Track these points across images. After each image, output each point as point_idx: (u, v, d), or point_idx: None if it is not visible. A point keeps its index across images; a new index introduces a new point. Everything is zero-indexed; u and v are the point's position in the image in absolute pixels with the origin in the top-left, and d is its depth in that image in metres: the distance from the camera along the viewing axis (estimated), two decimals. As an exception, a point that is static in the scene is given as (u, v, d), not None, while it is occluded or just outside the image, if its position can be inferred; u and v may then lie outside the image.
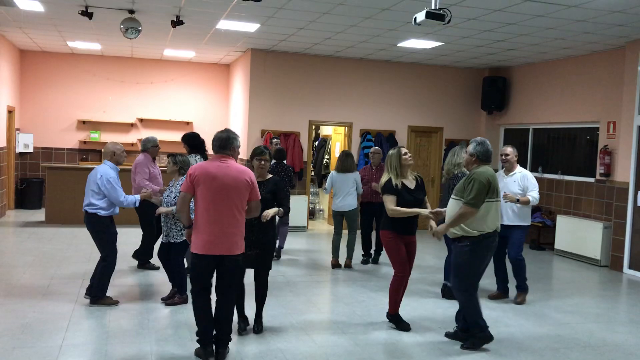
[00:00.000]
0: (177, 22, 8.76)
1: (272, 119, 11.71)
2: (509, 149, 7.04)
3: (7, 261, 7.98)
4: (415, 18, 6.20)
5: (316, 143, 13.76)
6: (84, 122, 13.44)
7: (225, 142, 4.67)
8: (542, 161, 11.55)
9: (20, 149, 12.82)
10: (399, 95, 12.45)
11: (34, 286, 6.65)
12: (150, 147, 7.96)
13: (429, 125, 12.66)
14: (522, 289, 6.95)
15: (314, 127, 12.66)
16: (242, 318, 5.44)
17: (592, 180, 10.14)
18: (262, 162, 5.31)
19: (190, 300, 5.29)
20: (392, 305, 5.75)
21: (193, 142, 7.59)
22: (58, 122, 13.36)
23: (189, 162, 6.30)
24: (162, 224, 6.17)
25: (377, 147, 9.01)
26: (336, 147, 12.96)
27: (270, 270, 5.42)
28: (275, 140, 10.11)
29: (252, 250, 5.15)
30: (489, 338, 5.23)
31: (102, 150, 6.38)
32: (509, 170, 6.99)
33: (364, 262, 8.79)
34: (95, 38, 11.18)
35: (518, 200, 6.68)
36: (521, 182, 6.81)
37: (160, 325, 5.52)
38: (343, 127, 12.36)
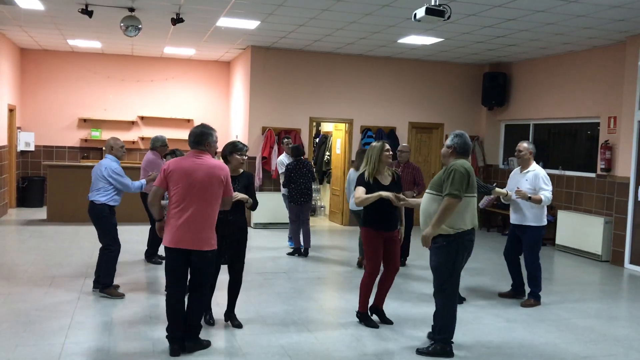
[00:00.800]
0: (177, 20, 8.77)
1: (272, 116, 11.71)
2: (524, 145, 6.69)
3: (9, 259, 8.01)
4: (415, 14, 6.21)
5: (317, 140, 13.77)
6: (84, 120, 13.46)
7: (200, 137, 4.67)
8: (542, 156, 11.53)
9: (21, 147, 12.83)
10: (400, 92, 12.44)
11: (37, 284, 6.67)
12: (159, 146, 8.12)
13: (430, 121, 12.65)
14: (534, 296, 6.63)
15: (314, 124, 12.66)
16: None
17: (593, 175, 10.14)
18: (244, 158, 5.27)
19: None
20: (362, 303, 5.62)
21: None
22: (59, 120, 13.38)
23: None
24: None
25: (405, 145, 8.72)
26: (337, 144, 12.96)
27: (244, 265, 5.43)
28: (286, 140, 10.03)
29: (226, 244, 5.20)
30: (449, 354, 4.87)
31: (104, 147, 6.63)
32: (523, 167, 6.71)
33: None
34: (95, 36, 11.19)
35: (530, 197, 6.37)
36: (533, 181, 6.50)
37: (161, 321, 5.54)
38: (344, 124, 12.36)
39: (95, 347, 4.88)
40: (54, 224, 10.71)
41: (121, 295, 6.21)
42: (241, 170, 5.37)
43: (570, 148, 11.08)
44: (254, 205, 5.38)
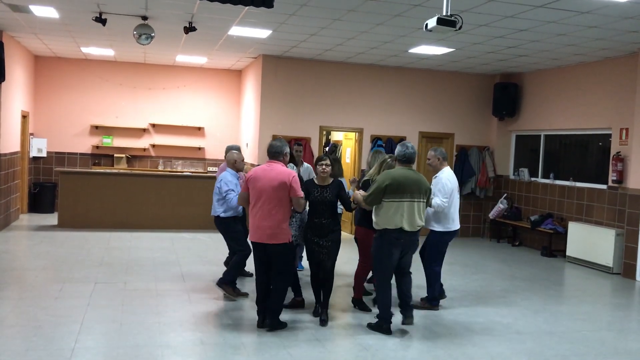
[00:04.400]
0: (189, 29, 8.83)
1: (283, 125, 11.75)
2: (430, 152, 6.67)
3: (20, 264, 8.06)
4: (427, 24, 6.21)
5: (327, 149, 13.78)
6: (96, 127, 13.56)
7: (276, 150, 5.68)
8: (553, 168, 11.50)
9: (34, 153, 12.94)
10: (410, 101, 12.45)
11: (47, 289, 6.71)
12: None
13: (440, 131, 12.64)
14: (426, 298, 6.69)
15: (324, 132, 12.68)
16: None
17: (604, 187, 10.08)
18: (323, 169, 5.92)
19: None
20: (358, 291, 6.57)
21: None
22: (71, 127, 13.49)
23: None
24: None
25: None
26: (347, 153, 12.97)
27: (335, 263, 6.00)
28: (297, 146, 9.63)
29: (322, 243, 5.84)
30: (387, 331, 5.63)
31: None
32: (434, 172, 6.63)
33: None
34: (108, 44, 11.30)
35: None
36: (435, 185, 6.38)
37: (170, 326, 5.55)
38: (354, 133, 12.38)
39: (104, 352, 4.90)
40: (65, 229, 10.77)
41: (243, 294, 6.66)
42: (331, 180, 5.99)
43: (582, 159, 11.02)
44: (349, 207, 6.10)
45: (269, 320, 5.56)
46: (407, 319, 5.70)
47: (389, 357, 5.08)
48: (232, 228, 6.79)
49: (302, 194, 5.50)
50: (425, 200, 5.76)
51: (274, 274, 5.63)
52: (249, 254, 6.49)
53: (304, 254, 9.01)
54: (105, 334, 5.36)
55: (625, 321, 6.83)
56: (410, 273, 5.93)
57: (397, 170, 5.70)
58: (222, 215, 6.72)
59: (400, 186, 5.54)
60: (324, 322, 5.80)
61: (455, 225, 6.59)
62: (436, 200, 6.30)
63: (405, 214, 5.55)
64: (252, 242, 5.60)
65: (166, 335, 5.37)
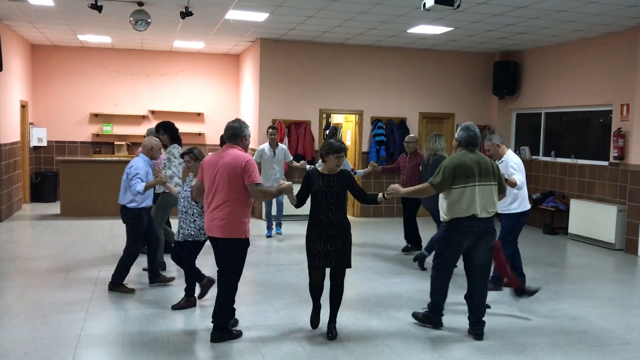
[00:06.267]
0: (186, 13, 8.77)
1: (282, 108, 11.71)
2: (410, 136, 6.95)
3: (24, 253, 8.10)
4: (425, 3, 6.17)
5: (327, 132, 13.76)
6: (96, 115, 13.53)
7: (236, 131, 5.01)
8: (554, 145, 11.47)
9: (34, 143, 12.93)
10: (410, 82, 12.39)
11: (52, 277, 6.75)
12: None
13: (440, 111, 12.60)
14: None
15: (324, 115, 12.65)
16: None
17: (605, 163, 10.06)
18: (340, 161, 5.02)
19: (198, 303, 5.84)
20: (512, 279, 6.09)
21: (174, 132, 7.40)
22: (71, 115, 13.46)
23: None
24: (179, 221, 5.85)
25: (412, 135, 8.91)
26: (347, 135, 12.95)
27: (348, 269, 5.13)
28: (271, 129, 9.55)
29: (331, 248, 4.96)
30: (437, 324, 5.36)
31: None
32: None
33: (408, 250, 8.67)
34: (105, 31, 11.23)
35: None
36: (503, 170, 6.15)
37: (176, 313, 5.59)
38: (354, 115, 12.34)
39: (111, 338, 4.94)
40: (67, 218, 10.80)
41: (131, 291, 6.19)
42: (339, 169, 5.08)
43: (583, 136, 10.99)
44: (364, 198, 5.21)
45: (213, 332, 4.87)
46: (477, 336, 5.13)
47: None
48: (136, 221, 6.18)
49: (258, 180, 4.77)
50: (497, 184, 5.20)
51: (218, 273, 4.96)
52: (137, 255, 6.25)
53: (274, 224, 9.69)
54: (111, 321, 5.40)
55: (628, 297, 6.86)
56: (485, 282, 5.27)
57: (465, 155, 5.14)
58: (129, 205, 6.14)
59: (470, 170, 5.04)
60: (331, 338, 5.02)
61: (528, 204, 6.56)
62: (517, 176, 6.17)
63: (478, 199, 5.03)
64: (208, 237, 4.99)
65: (172, 320, 5.40)
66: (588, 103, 10.50)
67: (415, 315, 5.51)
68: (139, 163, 6.19)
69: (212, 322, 4.90)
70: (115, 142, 13.53)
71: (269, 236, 9.56)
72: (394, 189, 5.19)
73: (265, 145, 9.43)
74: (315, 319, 5.26)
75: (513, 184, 6.09)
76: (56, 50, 13.26)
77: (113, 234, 9.36)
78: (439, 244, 5.33)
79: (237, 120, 5.05)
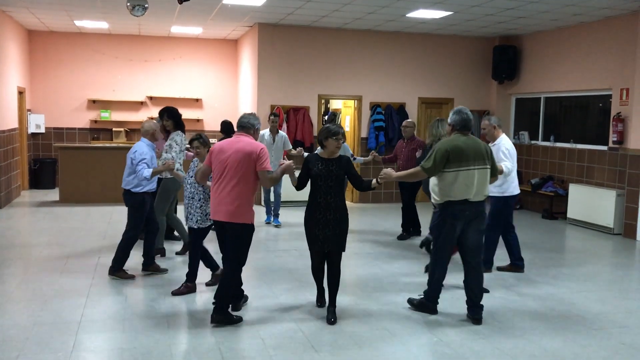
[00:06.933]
0: (183, -2, 8.69)
1: (281, 94, 11.67)
2: (408, 120, 7.11)
3: (24, 240, 8.11)
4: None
5: (326, 117, 13.72)
6: (94, 101, 13.48)
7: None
8: (554, 130, 11.46)
9: (32, 129, 12.90)
10: (409, 67, 12.34)
11: (52, 264, 6.76)
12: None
13: (440, 96, 12.56)
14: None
15: (323, 101, 12.61)
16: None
17: (604, 148, 10.06)
18: (340, 143, 5.05)
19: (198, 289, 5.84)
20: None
21: (178, 117, 7.31)
22: (68, 102, 13.41)
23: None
24: (185, 207, 5.81)
25: (409, 120, 8.91)
26: (346, 121, 12.92)
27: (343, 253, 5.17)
28: (272, 117, 9.48)
29: (328, 232, 5.01)
30: (432, 311, 5.36)
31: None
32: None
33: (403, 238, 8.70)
34: (102, 17, 11.15)
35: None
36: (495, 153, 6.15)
37: (176, 299, 5.61)
38: (353, 101, 12.30)
39: (111, 324, 4.95)
40: (66, 205, 10.80)
41: (131, 277, 6.19)
42: (338, 154, 5.13)
43: (582, 121, 10.98)
44: (361, 184, 5.18)
45: (214, 313, 4.91)
46: (476, 321, 5.15)
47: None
48: (140, 205, 6.20)
49: (269, 167, 4.88)
50: (490, 167, 5.18)
51: (223, 258, 5.13)
52: (136, 239, 6.27)
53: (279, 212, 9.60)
54: (111, 306, 5.41)
55: (626, 280, 6.89)
56: (480, 265, 5.26)
57: (457, 139, 5.12)
58: (133, 190, 6.14)
59: (463, 153, 5.02)
60: (332, 322, 5.04)
61: (517, 188, 6.63)
62: (506, 164, 6.27)
63: (470, 182, 5.02)
64: (213, 220, 5.06)
65: (172, 305, 5.42)
66: (587, 88, 10.47)
67: (410, 301, 5.53)
68: (143, 148, 6.19)
69: (213, 303, 4.94)
70: (114, 129, 13.49)
71: (268, 222, 9.57)
72: (387, 173, 5.18)
73: (266, 132, 9.41)
74: (320, 300, 5.47)
75: (500, 172, 5.96)
76: (53, 36, 13.17)
77: (112, 220, 9.36)
78: (435, 230, 5.37)
79: (253, 114, 5.20)
